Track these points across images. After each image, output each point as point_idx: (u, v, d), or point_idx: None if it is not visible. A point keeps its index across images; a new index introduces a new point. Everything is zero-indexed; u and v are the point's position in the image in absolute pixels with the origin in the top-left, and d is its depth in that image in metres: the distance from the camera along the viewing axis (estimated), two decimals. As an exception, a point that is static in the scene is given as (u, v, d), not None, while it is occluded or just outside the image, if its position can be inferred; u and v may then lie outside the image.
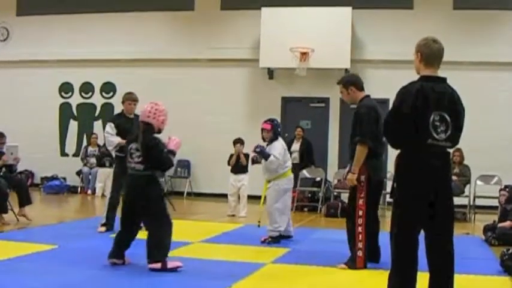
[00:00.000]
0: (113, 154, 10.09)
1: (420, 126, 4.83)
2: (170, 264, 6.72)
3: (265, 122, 9.29)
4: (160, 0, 17.68)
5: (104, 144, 11.22)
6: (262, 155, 9.06)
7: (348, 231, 7.31)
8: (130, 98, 9.99)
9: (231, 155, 12.87)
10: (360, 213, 7.14)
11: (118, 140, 9.48)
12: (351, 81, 7.56)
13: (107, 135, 9.68)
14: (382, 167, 7.57)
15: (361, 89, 7.51)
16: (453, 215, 5.11)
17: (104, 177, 15.62)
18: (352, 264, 7.17)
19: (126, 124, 9.56)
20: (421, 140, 4.85)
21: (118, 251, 6.97)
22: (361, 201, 7.16)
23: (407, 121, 4.83)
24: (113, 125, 9.72)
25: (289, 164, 9.35)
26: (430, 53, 5.01)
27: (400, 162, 5.03)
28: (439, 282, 4.93)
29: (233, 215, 12.58)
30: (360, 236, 7.11)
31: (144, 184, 6.86)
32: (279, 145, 9.15)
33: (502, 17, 15.61)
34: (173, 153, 7.01)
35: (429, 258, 4.95)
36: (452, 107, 4.95)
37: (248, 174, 12.77)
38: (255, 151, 9.16)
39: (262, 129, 9.25)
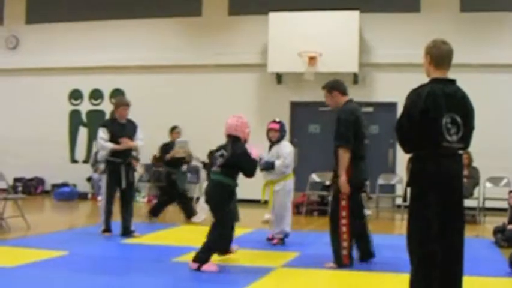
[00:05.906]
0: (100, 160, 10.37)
1: (433, 129, 4.76)
2: (205, 267, 7.04)
3: (273, 122, 9.54)
4: (167, 6, 17.76)
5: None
6: (267, 166, 9.20)
7: (331, 233, 7.46)
8: (124, 103, 10.05)
9: None
10: (344, 213, 7.35)
11: (111, 145, 9.73)
12: (334, 86, 7.83)
13: (100, 140, 9.81)
14: (364, 169, 7.71)
15: (344, 93, 7.80)
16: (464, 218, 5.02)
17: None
18: (339, 262, 7.34)
19: (119, 130, 9.75)
20: (435, 143, 4.78)
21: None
22: (343, 203, 7.36)
23: (419, 124, 4.74)
24: (105, 129, 9.85)
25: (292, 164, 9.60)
26: (439, 55, 4.97)
27: (414, 167, 4.90)
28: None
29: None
30: (344, 235, 7.32)
31: (214, 186, 7.45)
32: (287, 144, 9.52)
33: (510, 18, 15.58)
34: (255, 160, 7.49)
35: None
36: (463, 108, 4.92)
37: None
38: (261, 170, 9.16)
39: (270, 130, 9.41)
